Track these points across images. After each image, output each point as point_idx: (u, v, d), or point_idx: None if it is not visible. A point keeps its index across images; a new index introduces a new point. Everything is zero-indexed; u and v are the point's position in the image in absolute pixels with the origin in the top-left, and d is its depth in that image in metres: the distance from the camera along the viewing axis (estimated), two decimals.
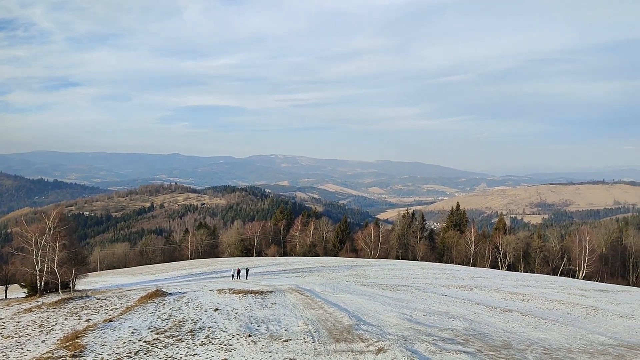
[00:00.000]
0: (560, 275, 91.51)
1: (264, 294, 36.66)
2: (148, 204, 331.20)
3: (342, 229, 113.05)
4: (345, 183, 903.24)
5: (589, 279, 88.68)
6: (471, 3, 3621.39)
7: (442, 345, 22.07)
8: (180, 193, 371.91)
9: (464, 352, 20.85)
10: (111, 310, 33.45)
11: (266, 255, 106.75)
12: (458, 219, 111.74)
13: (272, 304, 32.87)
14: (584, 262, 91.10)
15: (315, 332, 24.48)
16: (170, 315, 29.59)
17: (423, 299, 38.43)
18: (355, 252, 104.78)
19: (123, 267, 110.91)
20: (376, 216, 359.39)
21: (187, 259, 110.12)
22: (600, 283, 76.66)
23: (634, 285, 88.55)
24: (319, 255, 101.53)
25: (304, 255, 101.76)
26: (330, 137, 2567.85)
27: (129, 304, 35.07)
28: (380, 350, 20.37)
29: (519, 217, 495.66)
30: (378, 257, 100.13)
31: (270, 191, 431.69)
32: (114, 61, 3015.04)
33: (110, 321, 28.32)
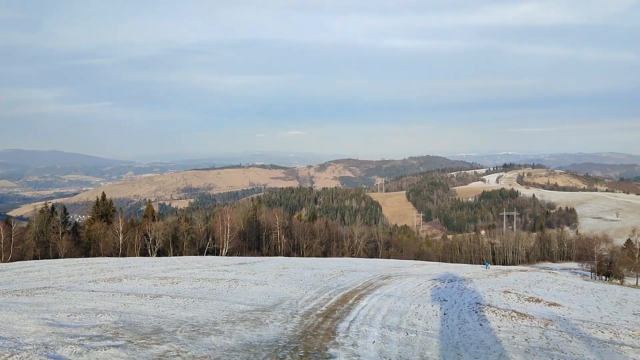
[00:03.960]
0: (206, 255, 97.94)
1: None
2: None
3: None
4: None
5: (231, 255, 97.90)
6: None
7: (90, 344, 20.50)
8: None
9: (113, 346, 19.84)
10: None
11: None
12: (104, 210, 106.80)
13: None
14: (226, 239, 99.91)
15: None
16: None
17: (67, 298, 35.08)
18: None
19: None
20: (7, 213, 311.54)
21: None
22: (240, 257, 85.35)
23: (266, 255, 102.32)
24: None
25: None
26: None
27: None
28: None
29: (168, 203, 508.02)
30: (11, 260, 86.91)
31: None
32: None
33: None
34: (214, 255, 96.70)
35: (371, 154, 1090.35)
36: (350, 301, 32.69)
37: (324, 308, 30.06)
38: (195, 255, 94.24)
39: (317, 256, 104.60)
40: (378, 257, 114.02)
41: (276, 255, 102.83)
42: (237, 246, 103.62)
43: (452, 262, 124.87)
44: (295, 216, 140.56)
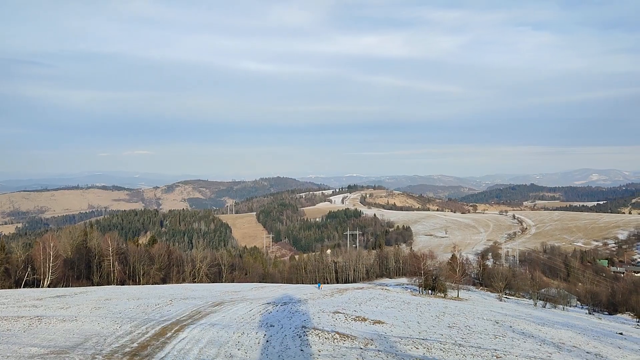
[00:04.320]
0: (24, 287, 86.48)
1: None
2: None
3: None
4: None
5: (55, 286, 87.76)
6: None
7: None
8: None
9: None
10: None
11: None
12: None
13: None
14: (49, 269, 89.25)
15: None
16: None
17: None
18: None
19: None
20: None
21: None
22: (64, 288, 76.67)
23: (97, 284, 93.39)
24: None
25: None
26: None
27: None
28: None
29: None
30: None
31: None
32: None
33: None
34: (33, 287, 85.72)
35: (222, 175, 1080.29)
36: (169, 334, 30.00)
37: (135, 345, 27.04)
38: (10, 288, 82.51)
39: (155, 283, 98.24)
40: (222, 282, 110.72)
41: (108, 284, 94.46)
42: (63, 276, 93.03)
43: (297, 283, 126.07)
44: (132, 241, 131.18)
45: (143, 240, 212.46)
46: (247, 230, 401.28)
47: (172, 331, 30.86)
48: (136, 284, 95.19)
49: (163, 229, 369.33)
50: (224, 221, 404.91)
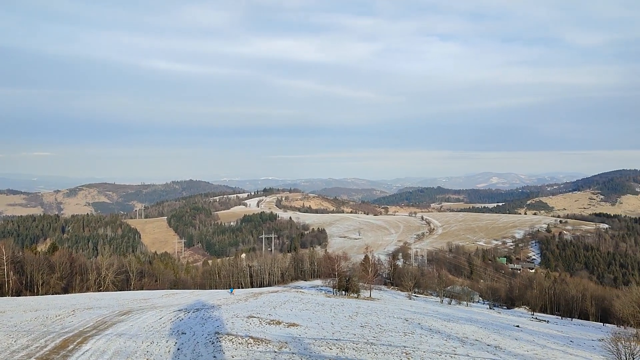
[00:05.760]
0: None
1: None
2: None
3: None
4: None
5: None
6: None
7: None
8: None
9: None
10: None
11: None
12: None
13: None
14: None
15: None
16: None
17: None
18: None
19: None
20: None
21: None
22: None
23: None
24: None
25: None
26: None
27: None
28: None
29: None
30: None
31: None
32: None
33: None
34: None
35: (131, 178, 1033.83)
36: (71, 346, 28.19)
37: (32, 359, 25.11)
38: None
39: (56, 293, 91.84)
40: (130, 289, 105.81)
41: (2, 295, 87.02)
42: None
43: (210, 289, 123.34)
44: (30, 249, 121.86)
45: (42, 247, 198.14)
46: (157, 236, 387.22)
47: (75, 343, 29.03)
48: (34, 295, 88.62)
49: (65, 235, 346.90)
50: (132, 226, 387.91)
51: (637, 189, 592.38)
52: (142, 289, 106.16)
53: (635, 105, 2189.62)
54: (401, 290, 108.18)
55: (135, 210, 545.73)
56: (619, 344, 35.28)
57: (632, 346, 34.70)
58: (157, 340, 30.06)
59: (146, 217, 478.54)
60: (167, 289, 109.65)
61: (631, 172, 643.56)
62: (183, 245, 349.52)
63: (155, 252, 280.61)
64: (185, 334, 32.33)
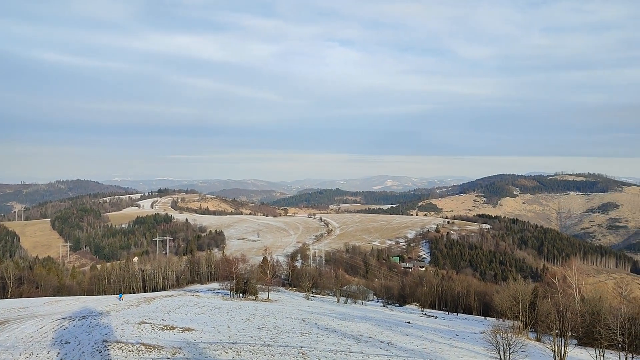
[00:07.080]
0: None
1: None
2: None
3: None
4: None
5: None
6: None
7: None
8: None
9: None
10: None
11: None
12: None
13: None
14: None
15: None
16: None
17: None
18: None
19: None
20: None
21: None
22: None
23: None
24: None
25: None
26: None
27: None
28: None
29: None
30: None
31: None
32: None
33: None
34: None
35: (9, 177, 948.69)
36: None
37: None
38: None
39: None
40: (7, 297, 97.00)
41: None
42: None
43: (99, 294, 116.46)
44: None
45: None
46: (39, 239, 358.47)
47: None
48: None
49: None
50: (10, 229, 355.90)
51: (515, 192, 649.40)
52: (21, 296, 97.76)
53: (514, 115, 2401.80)
54: (299, 291, 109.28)
55: (14, 212, 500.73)
56: (497, 335, 38.46)
57: (508, 337, 37.93)
58: (37, 351, 27.83)
59: (27, 219, 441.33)
60: (50, 296, 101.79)
61: (510, 176, 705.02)
62: (69, 249, 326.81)
63: (37, 256, 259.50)
64: (69, 343, 30.23)
